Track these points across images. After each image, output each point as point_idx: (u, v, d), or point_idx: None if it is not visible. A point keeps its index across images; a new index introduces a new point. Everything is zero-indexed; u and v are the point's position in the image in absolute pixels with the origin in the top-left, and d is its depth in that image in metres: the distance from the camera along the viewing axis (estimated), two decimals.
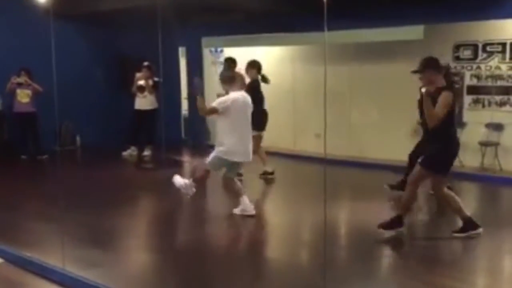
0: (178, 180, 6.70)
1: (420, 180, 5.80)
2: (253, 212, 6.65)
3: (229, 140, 6.47)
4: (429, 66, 5.64)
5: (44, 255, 5.21)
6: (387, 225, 5.83)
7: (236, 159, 6.55)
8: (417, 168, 5.77)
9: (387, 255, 5.74)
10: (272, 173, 8.87)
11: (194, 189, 6.66)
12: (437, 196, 6.23)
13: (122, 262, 5.46)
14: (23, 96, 10.67)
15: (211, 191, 8.05)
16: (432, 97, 5.46)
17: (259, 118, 8.23)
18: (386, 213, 6.56)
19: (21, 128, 10.79)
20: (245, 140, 6.59)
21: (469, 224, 5.82)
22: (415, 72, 5.70)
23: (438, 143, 5.63)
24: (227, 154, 6.50)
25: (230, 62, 8.94)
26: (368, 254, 5.55)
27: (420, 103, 5.83)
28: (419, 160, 5.89)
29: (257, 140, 8.53)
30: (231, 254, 5.74)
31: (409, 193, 5.83)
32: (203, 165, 6.74)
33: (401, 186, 7.19)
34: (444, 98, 5.47)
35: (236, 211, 6.69)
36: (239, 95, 6.61)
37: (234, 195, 6.82)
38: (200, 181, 6.74)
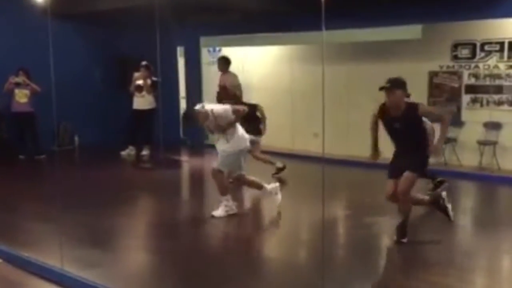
0: (220, 212, 6.69)
1: (412, 188, 5.73)
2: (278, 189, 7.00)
3: (238, 132, 6.71)
4: (400, 86, 5.51)
5: (43, 255, 5.21)
6: (402, 235, 5.70)
7: (247, 143, 6.84)
8: (408, 177, 5.57)
9: (385, 254, 5.74)
10: (284, 168, 8.90)
11: (232, 204, 6.76)
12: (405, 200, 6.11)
13: (121, 262, 5.46)
14: (21, 96, 10.66)
15: (211, 191, 8.04)
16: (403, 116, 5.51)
17: (254, 123, 8.23)
18: (384, 212, 6.57)
19: (19, 128, 10.78)
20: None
21: (437, 200, 6.06)
22: (382, 88, 5.53)
23: (419, 149, 5.64)
24: (240, 145, 6.70)
25: (224, 61, 8.90)
26: (366, 253, 5.56)
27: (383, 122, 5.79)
28: (409, 168, 5.65)
29: (257, 146, 8.50)
30: (229, 253, 5.73)
31: (406, 203, 5.74)
32: (215, 173, 6.71)
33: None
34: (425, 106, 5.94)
35: (276, 198, 6.92)
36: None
37: (256, 188, 6.99)
38: (225, 188, 6.76)
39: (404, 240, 5.65)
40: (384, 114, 5.67)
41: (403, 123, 5.50)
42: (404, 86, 5.54)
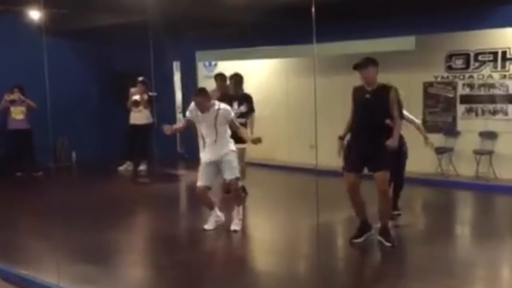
0: (210, 225, 6.67)
1: (387, 184, 5.98)
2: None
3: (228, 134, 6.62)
4: (372, 63, 5.76)
5: (39, 272, 5.20)
6: (389, 238, 5.88)
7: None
8: (384, 176, 5.77)
9: (381, 265, 5.73)
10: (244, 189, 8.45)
11: (221, 215, 6.75)
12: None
13: (117, 278, 5.43)
14: (17, 113, 10.68)
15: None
16: (373, 94, 5.73)
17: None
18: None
19: (16, 145, 10.78)
20: None
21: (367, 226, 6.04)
22: (356, 67, 5.80)
23: (382, 141, 5.70)
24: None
25: (220, 78, 8.94)
26: (362, 264, 5.55)
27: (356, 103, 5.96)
28: (379, 167, 5.79)
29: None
30: (227, 268, 5.71)
31: (389, 201, 6.06)
32: (203, 191, 6.58)
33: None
34: (397, 95, 5.81)
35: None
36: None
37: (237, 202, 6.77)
38: (212, 203, 6.75)
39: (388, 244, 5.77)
40: (356, 93, 5.94)
41: (373, 95, 5.74)
42: (376, 64, 5.79)
